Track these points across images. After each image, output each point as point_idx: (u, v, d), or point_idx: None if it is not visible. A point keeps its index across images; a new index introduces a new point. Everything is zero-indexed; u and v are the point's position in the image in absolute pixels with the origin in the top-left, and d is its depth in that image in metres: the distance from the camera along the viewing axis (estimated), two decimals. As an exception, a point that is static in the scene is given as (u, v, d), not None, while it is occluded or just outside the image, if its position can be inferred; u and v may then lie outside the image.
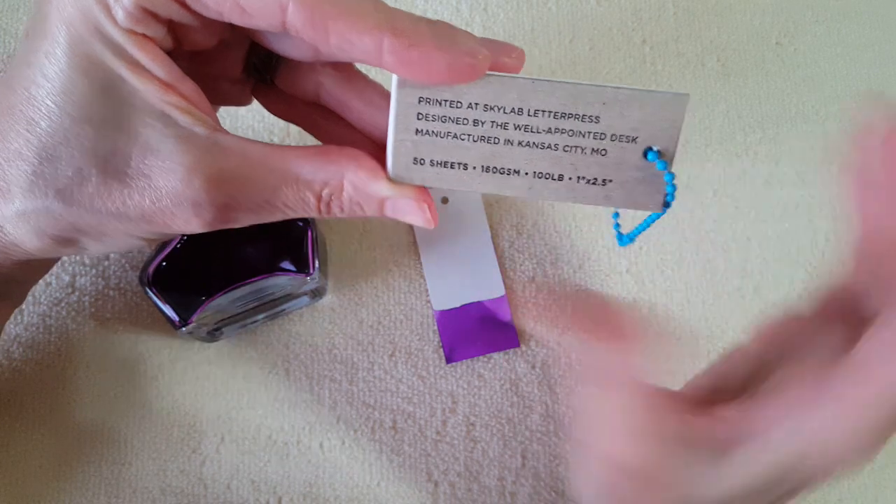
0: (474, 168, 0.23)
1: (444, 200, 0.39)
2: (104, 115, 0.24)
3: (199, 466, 0.37)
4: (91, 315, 0.38)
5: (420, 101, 0.23)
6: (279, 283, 0.34)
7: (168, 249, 0.33)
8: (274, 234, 0.34)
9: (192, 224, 0.26)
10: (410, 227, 0.39)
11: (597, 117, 0.22)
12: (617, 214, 0.27)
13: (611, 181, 0.23)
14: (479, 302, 0.38)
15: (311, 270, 0.34)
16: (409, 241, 0.39)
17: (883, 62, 0.42)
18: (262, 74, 0.29)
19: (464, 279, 0.38)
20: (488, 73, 0.22)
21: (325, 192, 0.25)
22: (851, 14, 0.43)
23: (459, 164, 0.23)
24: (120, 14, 0.23)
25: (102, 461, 0.36)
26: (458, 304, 0.38)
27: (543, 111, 0.22)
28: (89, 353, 0.37)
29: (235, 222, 0.27)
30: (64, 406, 0.37)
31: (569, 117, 0.22)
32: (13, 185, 0.25)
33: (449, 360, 0.38)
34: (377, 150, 0.25)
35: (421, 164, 0.23)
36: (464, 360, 0.38)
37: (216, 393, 0.37)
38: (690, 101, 0.22)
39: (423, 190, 0.25)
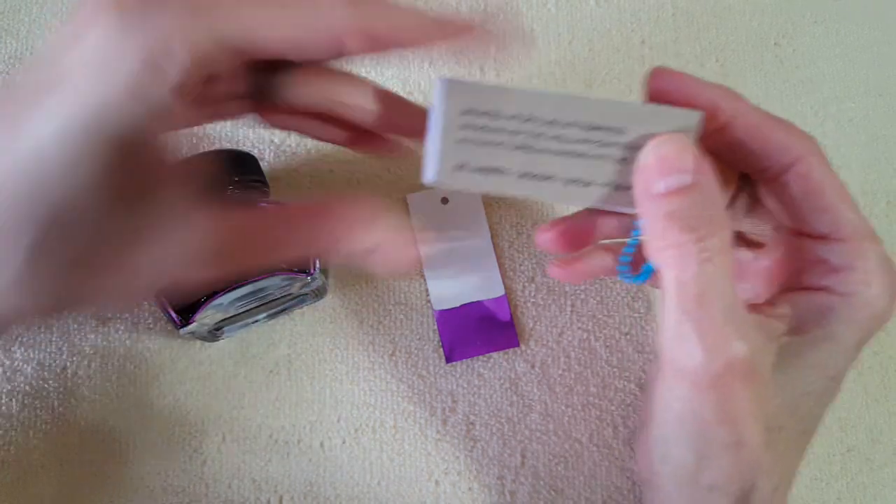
0: (512, 173, 0.25)
1: (444, 200, 0.40)
2: (119, 186, 0.22)
3: (200, 465, 0.37)
4: (93, 315, 0.38)
5: (465, 112, 0.25)
6: (280, 282, 0.34)
7: (169, 249, 0.33)
8: (275, 234, 0.34)
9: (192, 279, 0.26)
10: (410, 226, 0.39)
11: (622, 129, 0.25)
12: (630, 248, 0.29)
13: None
14: (478, 302, 0.38)
15: (312, 270, 0.34)
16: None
17: (881, 63, 0.42)
18: (265, 90, 0.29)
19: (464, 279, 0.39)
20: (527, 89, 0.25)
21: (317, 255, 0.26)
22: (850, 15, 0.43)
23: (498, 169, 0.25)
24: (173, 75, 0.22)
25: (104, 460, 0.37)
26: (457, 304, 0.38)
27: (575, 123, 0.25)
28: (91, 352, 0.38)
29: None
30: (65, 405, 0.37)
31: (598, 129, 0.25)
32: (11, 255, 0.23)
33: (449, 359, 0.38)
34: (376, 138, 0.28)
35: (462, 169, 0.25)
36: (464, 360, 0.38)
37: (217, 392, 0.37)
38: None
39: (409, 235, 0.27)
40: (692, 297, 0.23)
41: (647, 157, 0.24)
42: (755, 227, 0.30)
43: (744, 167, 0.27)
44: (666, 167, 0.24)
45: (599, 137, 0.25)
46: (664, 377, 0.26)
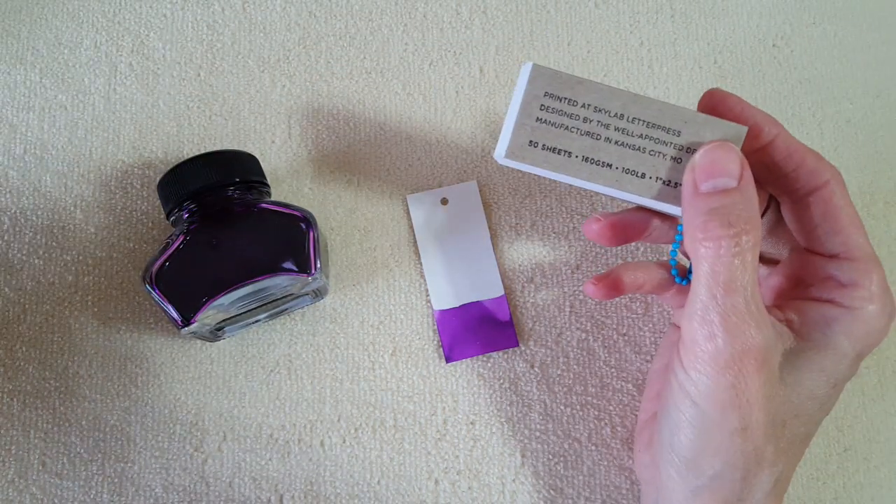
0: (576, 157, 0.28)
1: (444, 201, 0.40)
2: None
3: (201, 464, 0.37)
4: (94, 314, 0.38)
5: (545, 95, 0.28)
6: (281, 282, 0.34)
7: (171, 249, 0.34)
8: (276, 235, 0.34)
9: None
10: (410, 226, 0.40)
11: (678, 131, 0.28)
12: (674, 251, 0.32)
13: (680, 184, 0.28)
14: (478, 302, 0.39)
15: (313, 270, 0.34)
16: (409, 241, 0.39)
17: (880, 64, 0.42)
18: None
19: (463, 279, 0.39)
20: (602, 83, 0.28)
21: None
22: (848, 16, 0.43)
23: (565, 151, 0.28)
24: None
25: (105, 459, 0.37)
26: (457, 304, 0.38)
27: (639, 119, 0.28)
28: (92, 351, 0.38)
29: None
30: (66, 404, 0.37)
31: (658, 128, 0.28)
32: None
33: (449, 359, 0.38)
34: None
35: (534, 146, 0.28)
36: (463, 360, 0.38)
37: (218, 391, 0.38)
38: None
39: None
40: (722, 285, 0.26)
41: (701, 157, 0.27)
42: (773, 246, 0.33)
43: (773, 185, 0.30)
44: (715, 169, 0.26)
45: (658, 135, 0.28)
46: (682, 361, 0.28)
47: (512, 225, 0.40)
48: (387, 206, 0.40)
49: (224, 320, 0.35)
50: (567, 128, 0.28)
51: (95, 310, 0.38)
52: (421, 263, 0.39)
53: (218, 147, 0.40)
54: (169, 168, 0.35)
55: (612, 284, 0.32)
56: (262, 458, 0.37)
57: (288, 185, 0.40)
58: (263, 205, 0.35)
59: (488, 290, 0.39)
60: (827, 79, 0.42)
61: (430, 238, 0.39)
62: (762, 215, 0.32)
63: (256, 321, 0.37)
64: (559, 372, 0.38)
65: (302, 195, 0.40)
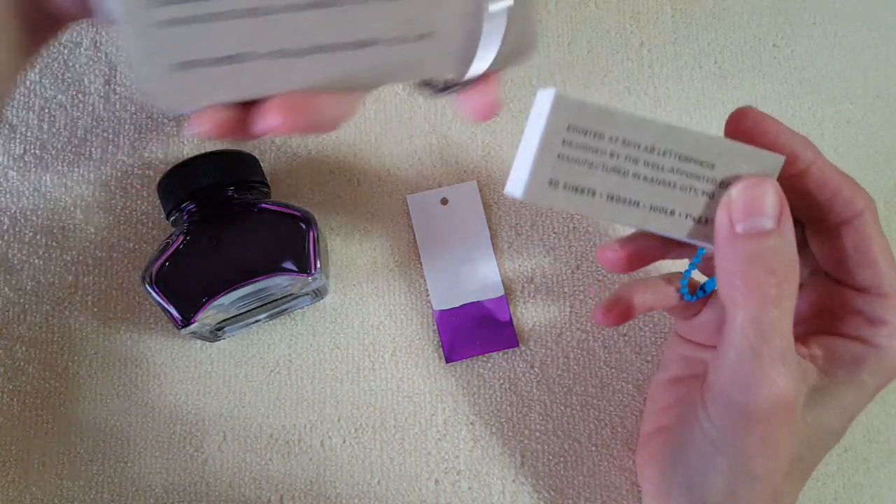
0: (601, 196, 0.25)
1: (444, 201, 0.40)
2: None
3: (201, 465, 0.37)
4: (94, 314, 0.38)
5: (569, 129, 0.24)
6: (281, 282, 0.34)
7: (171, 249, 0.34)
8: (276, 235, 0.34)
9: None
10: (410, 226, 0.40)
11: (713, 164, 0.25)
12: (688, 272, 0.30)
13: (712, 220, 0.26)
14: (478, 302, 0.39)
15: (313, 270, 0.34)
16: (409, 241, 0.39)
17: (880, 64, 0.42)
18: None
19: (464, 279, 0.39)
20: (633, 114, 0.25)
21: None
22: (848, 16, 0.43)
23: (589, 190, 0.25)
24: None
25: (105, 459, 0.37)
26: (457, 304, 0.38)
27: (671, 152, 0.25)
28: (92, 352, 0.38)
29: None
30: (66, 405, 0.37)
31: (691, 161, 0.25)
32: None
33: (449, 359, 0.38)
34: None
35: (555, 186, 0.25)
36: (463, 360, 0.38)
37: (218, 392, 0.38)
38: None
39: None
40: (760, 335, 0.25)
41: (737, 195, 0.25)
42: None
43: (804, 212, 0.29)
44: (754, 208, 0.25)
45: (691, 169, 0.25)
46: (707, 408, 0.27)
47: (512, 225, 0.40)
48: (387, 206, 0.40)
49: (224, 320, 0.36)
50: (591, 164, 0.25)
51: (95, 310, 0.38)
52: (421, 263, 0.39)
53: (218, 147, 0.40)
54: (169, 168, 0.36)
55: (623, 312, 0.31)
56: (263, 459, 0.37)
57: (288, 185, 0.40)
58: (263, 205, 0.35)
59: (488, 290, 0.39)
60: (827, 79, 0.42)
61: (430, 238, 0.39)
62: None
63: (256, 321, 0.37)
64: (559, 372, 0.38)
65: (302, 195, 0.40)
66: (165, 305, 0.33)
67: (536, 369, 0.38)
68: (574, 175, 0.25)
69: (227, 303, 0.34)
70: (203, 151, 0.36)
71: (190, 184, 0.35)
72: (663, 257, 0.30)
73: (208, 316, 0.34)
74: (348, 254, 0.39)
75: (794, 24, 0.43)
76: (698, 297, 0.31)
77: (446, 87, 0.27)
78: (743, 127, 0.27)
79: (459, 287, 0.39)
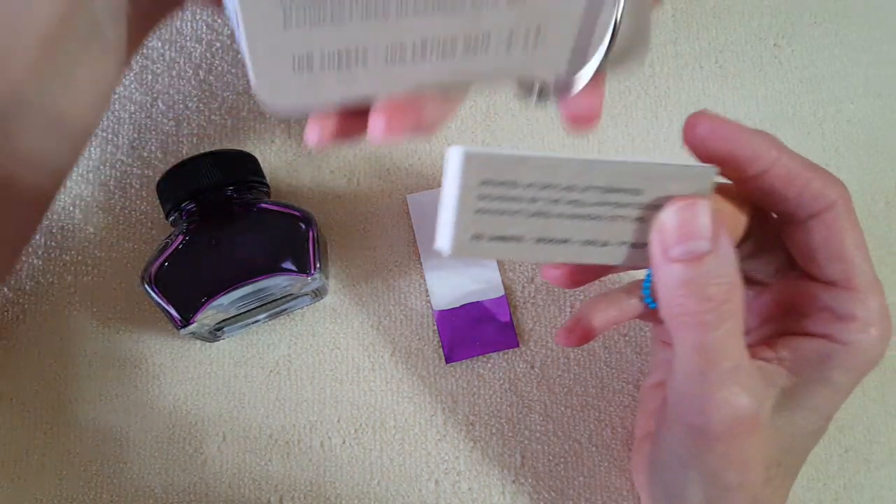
0: (528, 240, 0.25)
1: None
2: None
3: (200, 465, 0.37)
4: (93, 315, 0.38)
5: (483, 184, 0.24)
6: (280, 282, 0.34)
7: (170, 249, 0.33)
8: (275, 234, 0.34)
9: None
10: (410, 226, 0.39)
11: (640, 190, 0.25)
12: (648, 281, 0.30)
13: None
14: (478, 302, 0.38)
15: (313, 270, 0.34)
16: (409, 241, 0.39)
17: (881, 63, 0.42)
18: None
19: (463, 279, 0.39)
20: (545, 155, 0.24)
21: None
22: (849, 15, 0.43)
23: (515, 237, 0.25)
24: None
25: (104, 460, 0.37)
26: (457, 304, 0.38)
27: (593, 187, 0.24)
28: (91, 352, 0.38)
29: None
30: (66, 405, 0.37)
31: (616, 191, 0.25)
32: None
33: (448, 359, 0.38)
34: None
35: (479, 239, 0.24)
36: (463, 360, 0.38)
37: (218, 392, 0.37)
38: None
39: None
40: (707, 360, 0.24)
41: (666, 221, 0.24)
42: (758, 269, 0.31)
43: (776, 209, 0.28)
44: (685, 232, 0.24)
45: (617, 199, 0.25)
46: (671, 426, 0.27)
47: (512, 225, 0.40)
48: (387, 206, 0.40)
49: (223, 320, 0.35)
50: (512, 212, 0.24)
51: (94, 310, 0.38)
52: (421, 263, 0.39)
53: (217, 147, 0.40)
54: (168, 168, 0.35)
55: (583, 335, 0.30)
56: (262, 459, 0.37)
57: (287, 185, 0.40)
58: (263, 205, 0.35)
59: (488, 290, 0.39)
60: (828, 78, 0.42)
61: (430, 238, 0.39)
62: (742, 241, 0.29)
63: (256, 321, 0.37)
64: (559, 373, 0.38)
65: (301, 195, 0.40)
66: (164, 305, 0.33)
67: (537, 370, 0.38)
68: (497, 226, 0.24)
69: (226, 303, 0.34)
70: (202, 151, 0.36)
71: (189, 183, 0.35)
72: (607, 273, 0.30)
73: (207, 316, 0.34)
74: (348, 254, 0.39)
75: (794, 24, 0.43)
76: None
77: (551, 91, 0.26)
78: (699, 134, 0.26)
79: (459, 287, 0.39)
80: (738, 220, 0.28)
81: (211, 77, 0.41)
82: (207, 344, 0.38)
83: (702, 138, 0.26)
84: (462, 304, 0.38)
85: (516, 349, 0.38)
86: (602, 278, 0.32)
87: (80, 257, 0.39)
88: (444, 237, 0.25)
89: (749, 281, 0.31)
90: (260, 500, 0.36)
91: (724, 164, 0.26)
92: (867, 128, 0.41)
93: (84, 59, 0.27)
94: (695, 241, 0.24)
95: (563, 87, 0.26)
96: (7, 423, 0.37)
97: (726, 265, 0.24)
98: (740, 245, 0.29)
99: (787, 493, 0.29)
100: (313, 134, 0.25)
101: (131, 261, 0.39)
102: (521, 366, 0.38)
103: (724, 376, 0.24)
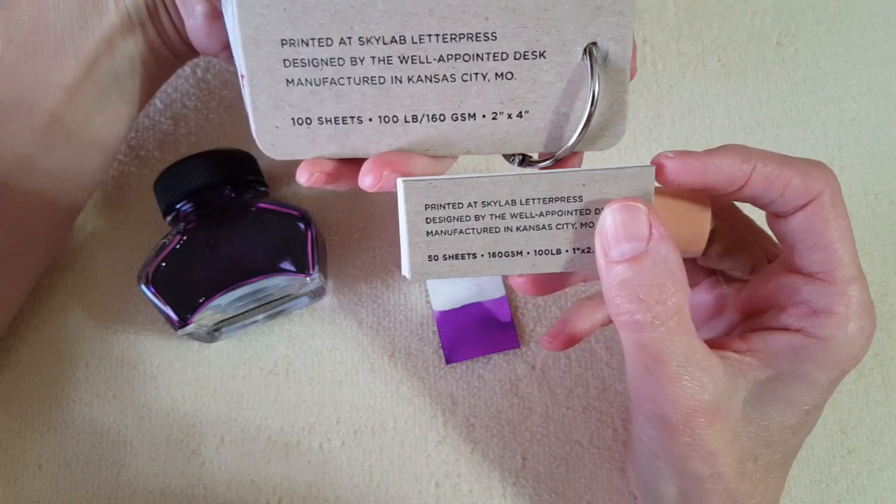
0: (482, 256, 0.26)
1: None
2: None
3: (198, 467, 0.36)
4: (90, 315, 0.38)
5: (427, 207, 0.26)
6: (279, 283, 0.34)
7: (167, 249, 0.33)
8: (274, 235, 0.34)
9: None
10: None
11: (580, 197, 0.26)
12: None
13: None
14: (479, 303, 0.38)
15: (311, 271, 0.34)
16: (408, 242, 0.39)
17: (883, 62, 0.42)
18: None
19: (464, 280, 0.38)
20: (482, 175, 0.26)
21: None
22: (852, 14, 0.42)
23: (469, 254, 0.26)
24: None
25: (101, 462, 0.36)
26: (458, 305, 0.38)
27: (533, 199, 0.26)
28: (88, 353, 0.37)
29: None
30: (63, 407, 0.37)
31: (556, 200, 0.26)
32: None
33: (449, 360, 0.38)
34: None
35: (435, 260, 0.26)
36: (464, 361, 0.38)
37: (216, 394, 0.37)
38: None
39: None
40: (649, 357, 0.25)
41: (603, 223, 0.25)
42: (734, 267, 0.31)
43: (764, 210, 0.28)
44: (620, 233, 0.25)
45: (559, 207, 0.26)
46: (636, 417, 0.28)
47: (513, 225, 0.39)
48: (387, 206, 0.39)
49: (221, 321, 0.35)
50: (462, 231, 0.26)
51: (92, 311, 0.38)
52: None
53: (215, 146, 0.40)
54: (166, 167, 0.35)
55: (567, 340, 0.31)
56: (261, 461, 0.37)
57: (286, 185, 0.39)
58: (261, 204, 0.35)
59: (489, 290, 0.38)
60: (831, 77, 0.42)
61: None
62: (712, 239, 0.29)
63: (254, 322, 0.37)
64: (560, 374, 0.38)
65: (300, 194, 0.39)
66: (162, 306, 0.33)
67: (537, 371, 0.38)
68: (449, 245, 0.26)
69: (224, 303, 0.34)
70: (200, 150, 0.36)
71: (187, 183, 0.34)
72: (571, 281, 0.31)
73: (205, 317, 0.34)
74: (347, 254, 0.39)
75: (797, 22, 0.42)
76: None
77: (533, 162, 0.29)
78: (668, 177, 0.26)
79: (460, 288, 0.38)
80: (698, 222, 0.28)
81: (209, 76, 0.40)
82: (205, 345, 0.38)
83: (671, 180, 0.26)
84: (462, 304, 0.38)
85: (517, 350, 0.38)
86: (575, 284, 0.32)
87: (78, 257, 0.38)
88: (403, 263, 0.27)
89: (728, 279, 0.32)
90: (258, 502, 0.36)
91: (706, 192, 0.27)
92: (870, 127, 0.41)
93: (106, 101, 0.33)
94: (631, 243, 0.24)
95: (545, 157, 0.28)
96: (4, 425, 0.37)
97: (662, 263, 0.24)
98: (710, 244, 0.29)
99: (773, 490, 0.29)
100: (303, 176, 0.28)
101: (129, 261, 0.38)
102: (521, 367, 0.38)
103: (673, 372, 0.25)
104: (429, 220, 0.26)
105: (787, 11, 0.42)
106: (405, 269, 0.27)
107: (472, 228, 0.26)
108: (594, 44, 0.26)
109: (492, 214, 0.26)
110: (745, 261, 0.31)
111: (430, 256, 0.26)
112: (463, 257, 0.26)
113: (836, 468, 0.37)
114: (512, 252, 0.26)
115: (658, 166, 0.26)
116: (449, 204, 0.26)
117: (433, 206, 0.26)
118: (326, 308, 0.38)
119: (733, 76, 0.42)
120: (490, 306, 0.38)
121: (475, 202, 0.26)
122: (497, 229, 0.26)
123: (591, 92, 0.26)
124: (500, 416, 0.37)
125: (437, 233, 0.26)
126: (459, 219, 0.26)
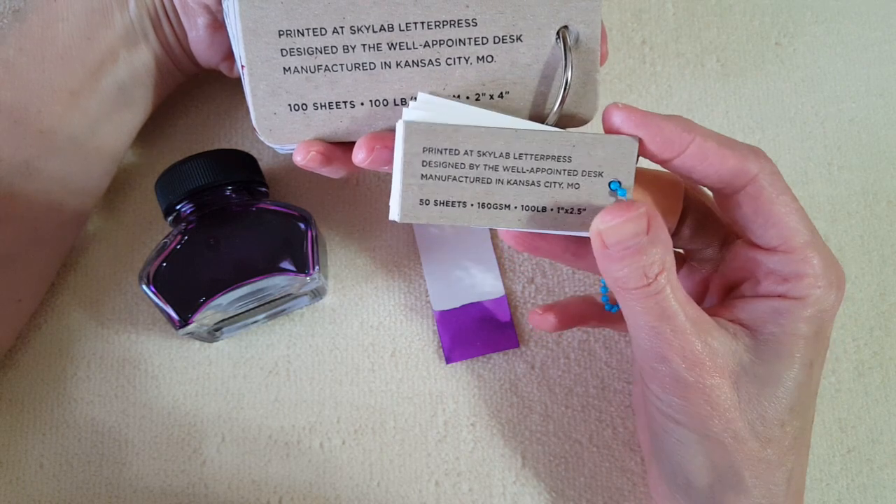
0: (472, 205, 0.27)
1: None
2: None
3: (199, 466, 0.37)
4: (91, 315, 0.38)
5: (424, 150, 0.27)
6: (279, 283, 0.34)
7: (168, 249, 0.33)
8: (274, 234, 0.34)
9: None
10: (410, 227, 0.39)
11: (569, 157, 0.27)
12: (605, 287, 0.31)
13: (585, 210, 0.27)
14: (478, 302, 0.38)
15: (312, 270, 0.34)
16: (409, 241, 0.39)
17: (882, 62, 0.42)
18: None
19: (464, 279, 0.38)
20: (479, 125, 0.27)
21: None
22: (851, 14, 0.43)
23: (459, 202, 0.27)
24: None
25: (103, 461, 0.36)
26: (457, 305, 0.38)
27: (526, 154, 0.27)
28: (89, 352, 0.37)
29: None
30: (64, 406, 0.37)
31: (547, 158, 0.27)
32: None
33: (449, 360, 0.38)
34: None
35: (426, 204, 0.27)
36: (463, 361, 0.38)
37: (216, 393, 0.37)
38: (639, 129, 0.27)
39: None
40: (658, 318, 0.26)
41: (606, 230, 0.26)
42: (706, 244, 0.32)
43: (705, 184, 0.29)
44: (623, 236, 0.25)
45: (549, 166, 0.27)
46: (646, 381, 0.28)
47: (512, 225, 0.39)
48: (387, 206, 0.39)
49: (222, 321, 0.35)
50: (455, 178, 0.27)
51: (93, 310, 0.38)
52: (421, 263, 0.39)
53: (215, 146, 0.40)
54: (166, 168, 0.35)
55: (558, 314, 0.33)
56: (261, 461, 0.37)
57: (286, 185, 0.40)
58: (261, 204, 0.35)
59: (489, 290, 0.38)
60: (830, 77, 0.42)
61: (430, 238, 0.39)
62: (681, 222, 0.31)
63: (255, 322, 0.37)
64: (560, 373, 0.38)
65: (300, 195, 0.39)
66: (163, 306, 0.33)
67: (537, 370, 0.38)
68: (442, 191, 0.27)
69: (225, 303, 0.34)
70: (200, 151, 0.36)
71: (187, 183, 0.34)
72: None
73: (206, 316, 0.34)
74: (348, 254, 0.39)
75: (796, 22, 0.42)
76: (619, 307, 0.31)
77: None
78: (614, 124, 0.27)
79: (459, 287, 0.38)
80: (673, 193, 0.30)
81: (210, 76, 0.41)
82: (206, 344, 0.38)
83: (616, 128, 0.27)
84: (462, 304, 0.38)
85: (516, 349, 0.38)
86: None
87: (79, 257, 0.38)
88: (393, 203, 0.27)
89: (700, 260, 0.33)
90: (259, 501, 0.36)
91: (642, 150, 0.27)
92: (869, 127, 0.41)
93: (112, 109, 0.34)
94: (634, 239, 0.25)
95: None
96: (6, 424, 0.37)
97: (658, 242, 0.26)
98: (680, 226, 0.31)
99: (801, 460, 0.29)
100: (299, 155, 0.29)
101: (130, 261, 0.38)
102: (521, 366, 0.38)
103: (680, 326, 0.26)
104: (425, 164, 0.27)
105: (786, 11, 0.42)
106: (394, 211, 0.27)
107: (466, 177, 0.27)
108: (566, 27, 0.28)
109: (486, 165, 0.27)
110: (715, 235, 0.32)
111: (421, 200, 0.27)
112: (453, 205, 0.27)
113: (836, 467, 0.37)
114: (500, 205, 0.27)
115: (605, 112, 0.27)
116: (446, 149, 0.27)
117: (430, 150, 0.27)
118: (327, 308, 0.38)
119: (732, 76, 0.42)
120: (490, 306, 0.38)
121: (471, 150, 0.27)
122: (489, 180, 0.27)
123: (566, 72, 0.28)
124: (500, 415, 0.37)
125: (431, 177, 0.27)
126: (455, 165, 0.27)
